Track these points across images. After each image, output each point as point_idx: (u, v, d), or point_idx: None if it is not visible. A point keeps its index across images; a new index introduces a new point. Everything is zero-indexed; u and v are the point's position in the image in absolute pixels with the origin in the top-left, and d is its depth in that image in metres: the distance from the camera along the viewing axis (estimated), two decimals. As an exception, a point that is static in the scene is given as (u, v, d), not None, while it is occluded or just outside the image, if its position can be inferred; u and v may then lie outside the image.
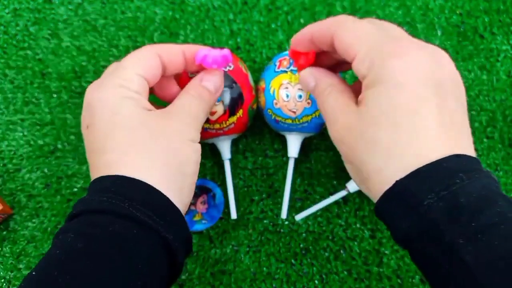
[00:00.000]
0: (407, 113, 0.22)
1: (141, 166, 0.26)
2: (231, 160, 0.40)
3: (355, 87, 0.28)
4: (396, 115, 0.22)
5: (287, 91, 0.35)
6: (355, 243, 0.38)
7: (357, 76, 0.25)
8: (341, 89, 0.27)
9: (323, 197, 0.39)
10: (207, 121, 0.35)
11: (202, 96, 0.30)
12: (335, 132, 0.26)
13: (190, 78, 0.34)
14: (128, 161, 0.26)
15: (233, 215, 0.38)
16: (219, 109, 0.34)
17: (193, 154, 0.28)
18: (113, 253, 0.23)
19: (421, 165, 0.21)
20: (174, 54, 0.30)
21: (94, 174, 0.27)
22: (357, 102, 0.25)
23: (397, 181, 0.22)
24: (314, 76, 0.29)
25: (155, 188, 0.25)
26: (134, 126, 0.26)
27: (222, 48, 0.31)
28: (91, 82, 0.42)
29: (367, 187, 0.24)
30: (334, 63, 0.31)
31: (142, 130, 0.26)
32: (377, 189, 0.23)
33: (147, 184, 0.25)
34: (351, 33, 0.25)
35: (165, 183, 0.26)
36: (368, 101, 0.23)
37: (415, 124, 0.22)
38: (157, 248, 0.24)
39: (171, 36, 0.44)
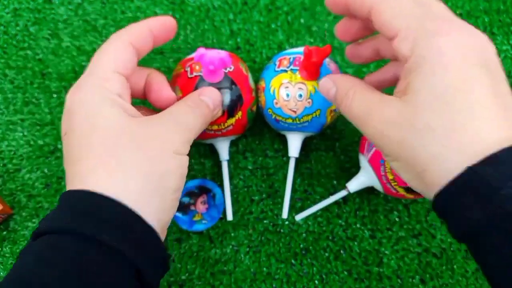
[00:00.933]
0: (460, 94, 0.20)
1: (116, 179, 0.23)
2: (230, 160, 0.40)
3: (374, 83, 0.27)
4: (449, 97, 0.20)
5: (287, 90, 0.35)
6: (355, 243, 0.38)
7: (397, 55, 0.23)
8: (364, 86, 0.26)
9: (323, 197, 0.39)
10: None
11: (200, 108, 0.29)
12: (372, 129, 0.24)
13: (189, 78, 0.35)
14: (102, 172, 0.23)
15: (229, 217, 0.38)
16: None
17: (177, 167, 0.26)
18: (72, 281, 0.21)
19: (494, 151, 0.19)
20: (145, 37, 0.28)
21: (67, 186, 0.25)
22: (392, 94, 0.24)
23: (469, 168, 0.19)
24: (332, 81, 0.28)
25: (126, 207, 0.23)
26: (113, 132, 0.24)
27: (221, 49, 0.31)
28: (91, 82, 0.43)
29: (422, 181, 0.22)
30: (363, 32, 0.29)
31: (122, 137, 0.24)
32: (437, 180, 0.21)
33: (117, 201, 0.23)
34: (391, 8, 0.23)
35: (141, 198, 0.23)
36: (415, 85, 0.21)
37: (471, 105, 0.20)
38: (124, 273, 0.22)
39: (171, 36, 0.44)
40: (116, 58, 0.26)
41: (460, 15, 0.45)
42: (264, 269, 0.38)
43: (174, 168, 0.25)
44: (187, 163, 0.27)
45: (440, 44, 0.21)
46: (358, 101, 0.25)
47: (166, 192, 0.25)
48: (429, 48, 0.21)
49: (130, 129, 0.24)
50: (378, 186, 0.36)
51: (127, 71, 0.27)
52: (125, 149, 0.24)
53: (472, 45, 0.21)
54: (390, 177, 0.34)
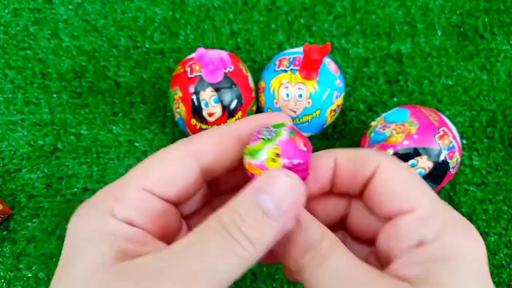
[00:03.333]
0: None
1: None
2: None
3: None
4: None
5: (287, 90, 0.35)
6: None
7: (400, 231, 0.17)
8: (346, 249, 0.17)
9: (323, 197, 0.39)
10: (205, 122, 0.35)
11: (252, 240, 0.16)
12: None
13: (189, 78, 0.35)
14: None
15: None
16: (218, 111, 0.34)
17: None
18: None
19: None
20: (225, 144, 0.19)
21: None
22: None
23: None
24: (298, 217, 0.17)
25: None
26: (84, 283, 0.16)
27: (221, 49, 0.31)
28: (91, 82, 0.42)
29: None
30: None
31: None
32: None
33: None
34: (406, 179, 0.18)
35: None
36: (443, 280, 0.16)
37: None
38: None
39: (171, 36, 0.44)
40: (153, 170, 0.18)
41: (460, 15, 0.45)
42: (264, 269, 0.38)
43: None
44: None
45: (473, 247, 0.17)
46: (338, 272, 0.16)
47: None
48: (463, 245, 0.17)
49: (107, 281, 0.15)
50: (378, 186, 0.36)
51: (166, 192, 0.18)
52: None
53: (484, 256, 0.17)
54: (390, 177, 0.34)
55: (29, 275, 0.38)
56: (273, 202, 0.16)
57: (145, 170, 0.18)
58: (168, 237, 0.19)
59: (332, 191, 0.20)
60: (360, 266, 0.16)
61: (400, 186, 0.18)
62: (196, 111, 0.34)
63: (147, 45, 0.44)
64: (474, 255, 0.17)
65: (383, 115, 0.36)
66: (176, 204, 0.19)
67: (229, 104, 0.34)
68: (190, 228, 0.21)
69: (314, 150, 0.39)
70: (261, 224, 0.16)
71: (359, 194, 0.19)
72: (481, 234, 0.38)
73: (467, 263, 0.16)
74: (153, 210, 0.18)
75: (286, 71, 0.35)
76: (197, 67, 0.35)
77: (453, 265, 0.16)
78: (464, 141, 0.41)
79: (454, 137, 0.33)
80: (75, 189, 0.40)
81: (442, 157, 0.32)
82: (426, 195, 0.18)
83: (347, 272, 0.16)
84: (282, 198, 0.16)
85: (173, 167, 0.18)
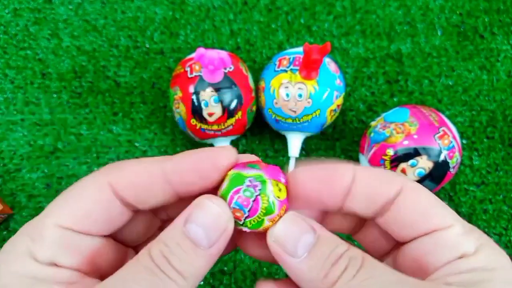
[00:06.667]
0: None
1: None
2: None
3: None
4: None
5: (287, 90, 0.35)
6: (355, 242, 0.38)
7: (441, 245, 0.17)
8: (369, 256, 0.17)
9: (323, 197, 0.39)
10: (205, 122, 0.35)
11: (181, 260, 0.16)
12: None
13: (189, 78, 0.35)
14: None
15: None
16: (218, 111, 0.34)
17: None
18: None
19: None
20: (145, 179, 0.17)
21: None
22: None
23: None
24: (310, 225, 0.17)
25: None
26: None
27: (221, 49, 0.31)
28: (91, 82, 0.43)
29: None
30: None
31: None
32: None
33: None
34: (431, 198, 0.18)
35: None
36: None
37: None
38: None
39: (171, 36, 0.44)
40: (68, 206, 0.17)
41: (460, 15, 0.45)
42: (264, 269, 0.38)
43: None
44: None
45: (505, 261, 0.17)
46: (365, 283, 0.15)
47: None
48: (497, 260, 0.17)
49: None
50: (378, 186, 0.36)
51: (86, 227, 0.17)
52: None
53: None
54: (390, 177, 0.34)
55: (29, 275, 0.38)
56: (201, 231, 0.16)
57: (59, 207, 0.17)
58: (106, 271, 0.18)
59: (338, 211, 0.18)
60: (402, 275, 0.16)
61: (431, 205, 0.18)
62: (196, 111, 0.34)
63: (147, 45, 0.44)
64: (509, 265, 0.17)
65: (383, 115, 0.36)
66: (111, 235, 0.18)
67: (229, 104, 0.34)
68: None
69: (315, 150, 0.39)
70: (191, 255, 0.16)
71: (374, 214, 0.18)
72: (481, 234, 0.38)
73: (507, 272, 0.17)
74: (79, 247, 0.17)
75: (286, 71, 0.35)
76: (197, 67, 0.35)
77: (498, 274, 0.17)
78: (464, 141, 0.41)
79: (454, 137, 0.33)
80: (75, 189, 0.40)
81: (442, 157, 0.32)
82: (454, 213, 0.18)
83: (397, 284, 0.15)
84: (210, 227, 0.16)
85: (89, 201, 0.17)
